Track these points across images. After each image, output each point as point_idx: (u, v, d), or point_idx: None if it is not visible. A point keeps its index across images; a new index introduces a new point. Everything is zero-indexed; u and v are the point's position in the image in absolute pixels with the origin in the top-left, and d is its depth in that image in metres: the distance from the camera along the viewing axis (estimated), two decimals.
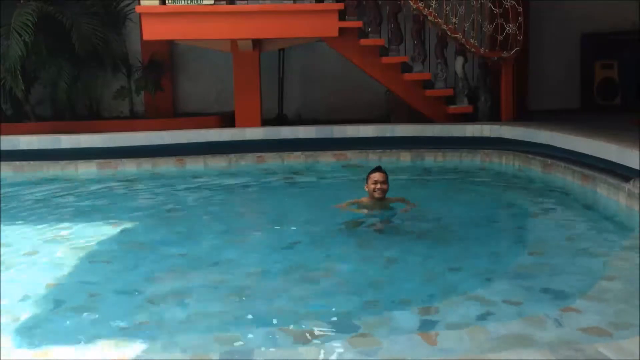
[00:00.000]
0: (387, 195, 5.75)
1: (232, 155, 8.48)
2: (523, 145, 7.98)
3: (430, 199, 6.74)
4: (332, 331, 3.37)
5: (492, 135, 8.53)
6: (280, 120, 10.71)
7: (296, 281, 4.29)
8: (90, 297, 4.06)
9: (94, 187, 7.47)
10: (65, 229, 5.65)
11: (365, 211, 5.73)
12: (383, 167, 5.85)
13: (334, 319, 3.60)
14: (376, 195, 5.60)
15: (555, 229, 5.56)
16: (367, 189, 5.71)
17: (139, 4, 8.79)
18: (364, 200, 5.80)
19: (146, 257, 4.87)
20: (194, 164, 8.36)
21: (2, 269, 4.48)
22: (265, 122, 9.49)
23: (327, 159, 8.51)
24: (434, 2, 8.94)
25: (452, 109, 9.32)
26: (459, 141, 8.59)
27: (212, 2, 8.84)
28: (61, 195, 7.16)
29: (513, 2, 8.98)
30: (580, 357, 2.58)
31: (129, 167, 8.22)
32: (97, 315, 3.74)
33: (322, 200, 6.89)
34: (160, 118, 10.21)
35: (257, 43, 9.27)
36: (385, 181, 5.65)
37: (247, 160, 8.49)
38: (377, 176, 5.64)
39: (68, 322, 3.66)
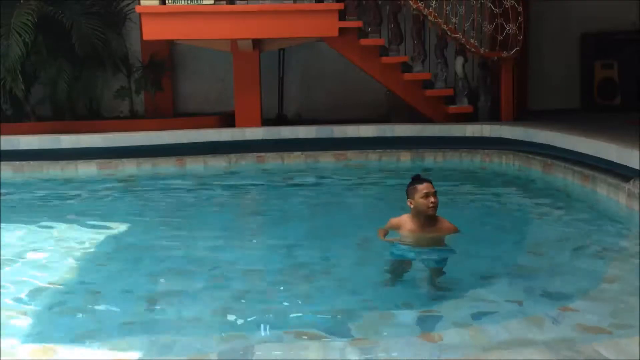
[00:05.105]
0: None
1: (232, 155, 8.49)
2: (523, 145, 7.98)
3: None
4: (332, 331, 3.37)
5: (492, 135, 8.53)
6: (280, 120, 10.71)
7: (296, 281, 4.29)
8: (90, 297, 4.07)
9: (94, 187, 7.47)
10: (65, 229, 5.65)
11: (410, 244, 4.66)
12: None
13: (334, 318, 3.60)
14: (430, 212, 4.55)
15: (555, 229, 5.56)
16: (413, 205, 4.60)
17: (139, 4, 8.79)
18: (407, 223, 4.71)
19: (146, 257, 4.86)
20: (194, 164, 8.36)
21: (2, 268, 4.48)
22: (265, 122, 9.49)
23: (327, 159, 8.51)
24: (434, 2, 8.94)
25: (452, 109, 9.31)
26: (459, 141, 8.60)
27: (212, 2, 8.83)
28: (61, 195, 7.17)
29: (513, 2, 8.98)
30: (580, 357, 2.58)
31: (129, 167, 8.22)
32: (97, 315, 3.75)
33: (322, 200, 6.90)
34: (160, 118, 10.21)
35: (257, 43, 9.26)
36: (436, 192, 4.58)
37: (247, 160, 8.50)
38: (428, 187, 4.55)
39: (68, 322, 3.66)
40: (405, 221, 4.71)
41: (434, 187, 4.57)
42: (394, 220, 4.79)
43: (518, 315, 3.43)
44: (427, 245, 4.64)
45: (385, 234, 4.84)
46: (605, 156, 6.26)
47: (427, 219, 4.61)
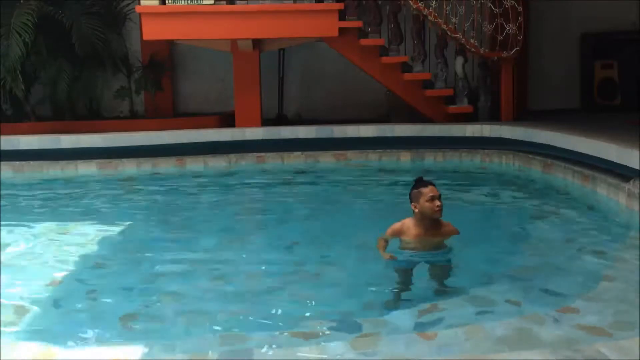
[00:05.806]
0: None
1: (232, 155, 8.49)
2: (523, 145, 7.98)
3: None
4: (333, 331, 3.37)
5: (492, 135, 8.53)
6: (280, 120, 10.71)
7: (296, 281, 4.29)
8: (90, 297, 4.07)
9: (94, 187, 7.47)
10: (65, 229, 5.66)
11: (412, 250, 4.55)
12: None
13: (334, 319, 3.59)
14: (437, 215, 4.46)
15: (555, 229, 5.56)
16: (418, 209, 4.47)
17: (139, 4, 8.79)
18: (411, 228, 4.58)
19: (146, 257, 4.87)
20: (194, 164, 8.37)
21: (2, 268, 4.48)
22: (265, 122, 9.49)
23: (327, 159, 8.51)
24: (434, 2, 8.94)
25: (452, 109, 9.31)
26: (459, 141, 8.59)
27: (212, 2, 8.84)
28: (61, 195, 7.16)
29: (513, 2, 8.98)
30: (580, 357, 2.58)
31: (129, 167, 8.22)
32: (97, 315, 3.75)
33: (322, 200, 6.90)
34: (160, 118, 10.22)
35: (257, 43, 9.27)
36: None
37: (247, 160, 8.50)
38: (433, 190, 4.44)
39: (68, 322, 3.66)
40: (409, 226, 4.57)
41: (437, 190, 4.49)
42: (397, 226, 4.62)
43: (518, 316, 3.43)
44: (431, 249, 4.57)
45: (386, 242, 4.63)
46: (605, 156, 6.26)
47: (432, 222, 4.52)
